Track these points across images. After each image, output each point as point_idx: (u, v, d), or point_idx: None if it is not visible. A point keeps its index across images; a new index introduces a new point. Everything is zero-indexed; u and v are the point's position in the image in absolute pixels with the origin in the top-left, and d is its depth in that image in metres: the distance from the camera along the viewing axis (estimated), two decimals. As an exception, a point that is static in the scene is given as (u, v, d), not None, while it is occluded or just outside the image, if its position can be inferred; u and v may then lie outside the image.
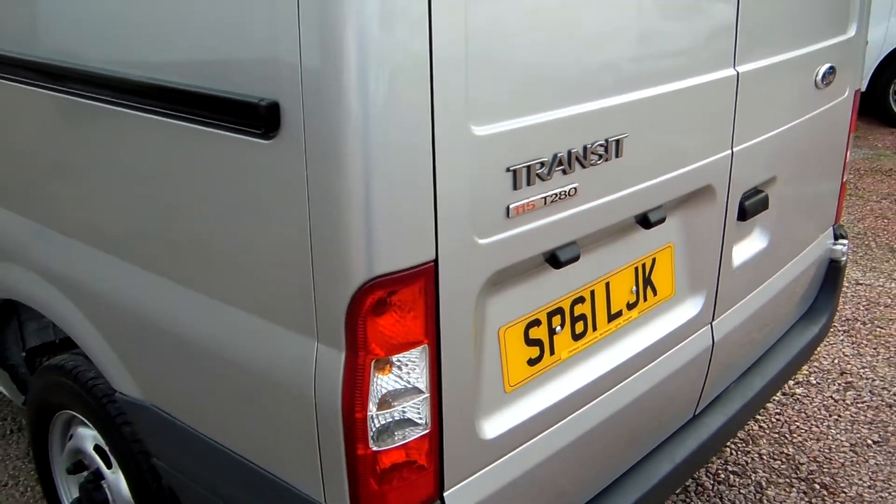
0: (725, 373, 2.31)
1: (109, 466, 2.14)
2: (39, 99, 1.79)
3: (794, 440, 3.15)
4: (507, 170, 1.42)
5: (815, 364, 3.68)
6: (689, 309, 2.05)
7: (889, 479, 2.90)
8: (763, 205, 2.16)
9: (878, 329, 4.00)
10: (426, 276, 1.35)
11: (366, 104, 1.22)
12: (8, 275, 2.12)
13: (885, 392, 3.45)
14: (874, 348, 3.82)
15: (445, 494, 1.52)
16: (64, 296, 1.93)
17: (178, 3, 1.42)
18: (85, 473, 2.24)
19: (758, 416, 3.30)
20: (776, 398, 3.41)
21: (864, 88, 7.28)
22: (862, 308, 4.22)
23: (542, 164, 1.47)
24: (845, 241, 2.78)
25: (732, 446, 3.11)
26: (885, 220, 5.48)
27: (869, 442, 3.13)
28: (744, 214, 2.10)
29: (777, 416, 3.31)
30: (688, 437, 2.17)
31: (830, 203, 2.67)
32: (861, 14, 2.49)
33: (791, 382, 3.54)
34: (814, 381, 3.55)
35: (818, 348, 3.74)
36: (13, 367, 2.55)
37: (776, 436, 3.18)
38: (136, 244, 1.70)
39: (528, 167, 1.45)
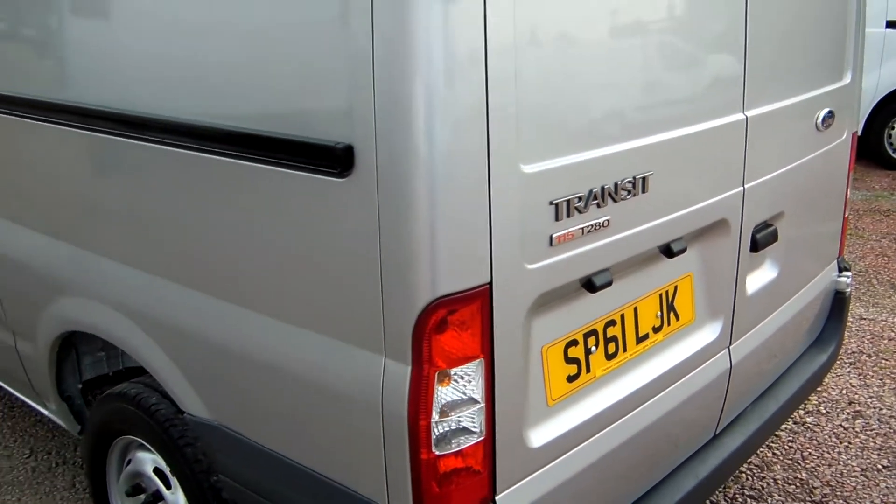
0: (742, 395, 2.47)
1: (168, 487, 2.29)
2: (123, 147, 1.98)
3: (807, 465, 3.29)
4: (550, 203, 1.61)
5: (824, 394, 3.82)
6: (709, 334, 2.22)
7: (899, 501, 3.03)
8: (773, 237, 2.34)
9: (883, 361, 4.16)
10: (482, 297, 1.53)
11: (431, 148, 1.42)
12: (79, 308, 2.29)
13: (893, 420, 3.59)
14: (880, 379, 3.97)
15: (497, 498, 1.67)
16: (136, 326, 2.10)
17: (262, 61, 1.62)
18: (143, 496, 2.38)
19: (771, 444, 3.44)
20: (788, 426, 3.55)
21: (859, 133, 7.52)
22: (867, 342, 4.37)
23: (580, 198, 1.66)
24: (849, 274, 2.96)
25: (748, 471, 3.25)
26: (886, 258, 5.66)
27: (879, 467, 3.26)
28: (756, 246, 2.28)
29: (790, 444, 3.45)
30: (709, 456, 2.32)
31: (834, 237, 2.85)
32: (855, 62, 2.71)
33: (802, 412, 3.68)
34: (823, 411, 3.70)
35: (826, 379, 3.90)
36: (70, 399, 2.70)
37: (790, 462, 3.32)
38: (212, 275, 1.88)
39: (568, 201, 1.64)
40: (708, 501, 3.02)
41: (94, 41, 2.03)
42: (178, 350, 2.02)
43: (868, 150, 7.87)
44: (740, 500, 3.08)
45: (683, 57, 1.92)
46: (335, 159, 1.50)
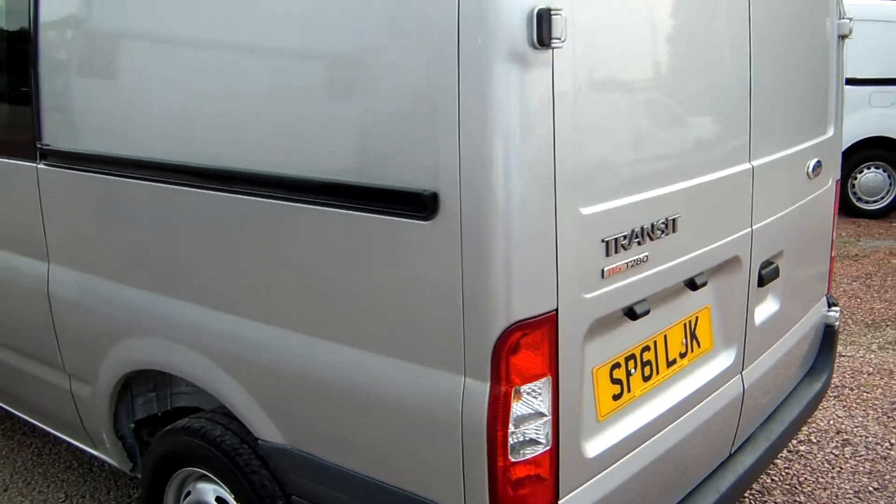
0: (752, 418, 2.72)
1: (230, 515, 2.46)
2: (207, 200, 2.20)
3: (804, 490, 3.53)
4: (602, 241, 1.87)
5: (814, 425, 4.09)
6: (724, 360, 2.47)
7: (892, 519, 3.28)
8: (776, 273, 2.62)
9: (865, 394, 4.45)
10: (550, 322, 1.77)
11: (508, 195, 1.67)
12: (152, 349, 2.48)
13: (879, 447, 3.86)
14: (864, 410, 4.25)
15: (560, 502, 1.89)
16: (213, 362, 2.29)
17: (360, 122, 1.87)
18: (202, 526, 2.54)
19: (769, 471, 3.68)
20: (783, 455, 3.80)
21: (825, 183, 7.99)
22: (848, 376, 4.67)
23: (625, 236, 1.92)
24: (837, 308, 3.25)
25: (750, 497, 3.48)
26: (858, 300, 6.01)
27: (870, 489, 3.51)
28: (762, 281, 2.56)
29: (786, 470, 3.69)
30: (727, 472, 2.55)
31: (823, 274, 3.15)
32: (836, 118, 3.04)
33: (795, 441, 3.93)
34: (814, 440, 3.96)
35: (815, 412, 4.16)
36: (122, 438, 2.86)
37: (787, 487, 3.56)
38: (296, 312, 2.09)
39: (616, 239, 1.90)
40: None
41: (185, 104, 2.26)
42: (254, 382, 2.21)
43: (833, 200, 8.33)
44: (746, 522, 3.30)
45: (704, 113, 2.22)
46: (422, 205, 1.75)
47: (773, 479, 3.62)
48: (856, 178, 8.28)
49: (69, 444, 3.24)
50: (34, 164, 2.72)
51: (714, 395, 2.42)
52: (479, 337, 1.74)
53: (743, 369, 2.56)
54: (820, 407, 4.26)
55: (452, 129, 1.68)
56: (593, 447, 1.97)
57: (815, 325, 3.16)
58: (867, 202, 8.37)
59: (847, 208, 8.38)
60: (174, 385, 2.86)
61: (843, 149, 7.97)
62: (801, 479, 3.61)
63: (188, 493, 2.59)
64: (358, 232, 1.90)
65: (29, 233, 2.81)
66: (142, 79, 2.40)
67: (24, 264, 2.88)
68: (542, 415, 1.82)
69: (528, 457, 1.81)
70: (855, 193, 8.34)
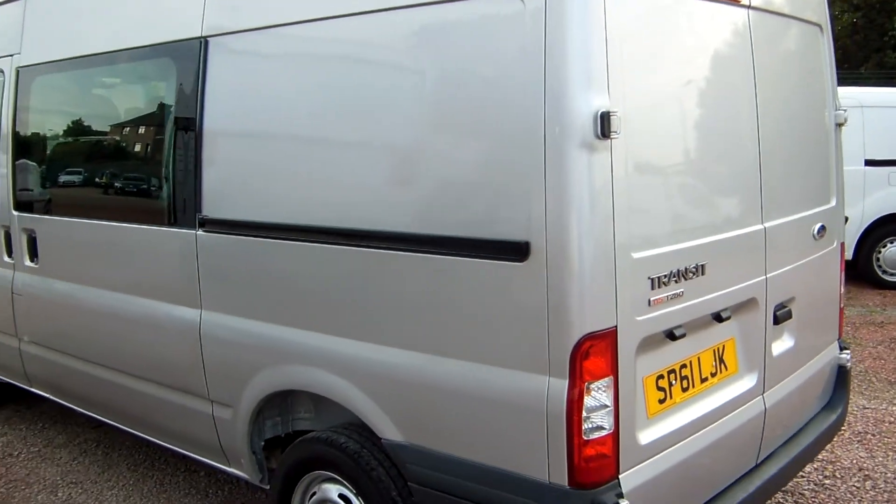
0: (775, 436, 3.29)
1: (351, 508, 3.07)
2: (352, 255, 2.90)
3: (828, 514, 4.04)
4: (648, 278, 2.53)
5: (838, 464, 4.59)
6: (748, 382, 3.08)
7: (905, 536, 3.76)
8: (789, 314, 3.24)
9: (886, 439, 4.94)
10: (612, 335, 2.42)
11: (581, 245, 2.35)
12: (294, 372, 3.14)
13: (896, 481, 4.36)
14: (884, 452, 4.74)
15: (620, 476, 2.49)
16: (342, 378, 2.95)
17: (466, 190, 2.58)
18: (325, 521, 3.15)
19: (798, 501, 4.18)
20: (810, 487, 4.31)
21: (850, 257, 8.54)
22: (871, 424, 5.17)
23: (665, 276, 2.58)
24: (848, 352, 3.83)
25: (781, 519, 3.99)
26: (882, 361, 6.52)
27: (887, 514, 4.01)
28: (777, 320, 3.18)
29: (813, 499, 4.20)
30: (753, 478, 3.12)
31: (833, 320, 3.75)
32: (838, 190, 3.69)
33: (820, 476, 4.44)
34: (839, 475, 4.46)
35: (839, 452, 4.68)
36: (254, 454, 3.50)
37: (814, 512, 4.06)
38: (414, 334, 2.74)
39: (659, 277, 2.56)
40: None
41: (320, 183, 3.00)
42: (378, 391, 2.86)
43: (860, 273, 8.87)
44: (777, 538, 3.81)
45: (723, 186, 2.91)
46: (518, 252, 2.43)
47: (800, 506, 4.13)
48: (880, 252, 8.83)
49: (201, 463, 3.88)
50: (194, 231, 3.46)
51: (740, 409, 3.02)
52: (559, 346, 2.39)
53: (764, 391, 3.16)
54: (844, 449, 4.77)
55: (540, 196, 2.38)
56: (644, 437, 2.58)
57: (830, 365, 3.74)
58: (891, 274, 8.89)
59: (873, 280, 8.91)
60: (295, 411, 3.52)
61: (867, 225, 8.62)
62: (825, 507, 4.12)
63: (313, 494, 3.22)
64: (469, 272, 2.58)
65: (186, 286, 3.53)
66: (283, 165, 3.16)
67: (179, 311, 3.60)
68: (606, 406, 2.44)
69: (596, 437, 2.43)
70: (880, 266, 8.88)
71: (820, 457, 4.64)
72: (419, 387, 2.76)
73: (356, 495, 3.03)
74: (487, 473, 2.60)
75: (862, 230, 8.76)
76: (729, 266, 2.90)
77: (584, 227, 2.35)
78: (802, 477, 4.43)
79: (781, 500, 4.19)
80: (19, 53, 4.54)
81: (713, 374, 2.92)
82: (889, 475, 4.44)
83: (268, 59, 3.24)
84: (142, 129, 3.98)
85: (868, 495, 4.22)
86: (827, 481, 4.40)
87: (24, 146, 4.58)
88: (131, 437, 4.42)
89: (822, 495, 4.24)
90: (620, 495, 2.45)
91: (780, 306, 3.22)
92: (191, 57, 3.41)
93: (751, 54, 3.01)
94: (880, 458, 4.65)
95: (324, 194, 3.02)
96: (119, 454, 4.91)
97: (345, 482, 3.06)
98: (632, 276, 2.47)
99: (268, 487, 3.53)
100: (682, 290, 2.65)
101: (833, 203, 3.66)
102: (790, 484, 4.32)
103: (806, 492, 4.28)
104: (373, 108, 2.84)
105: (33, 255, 4.48)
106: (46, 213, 4.40)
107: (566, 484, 2.43)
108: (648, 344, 2.60)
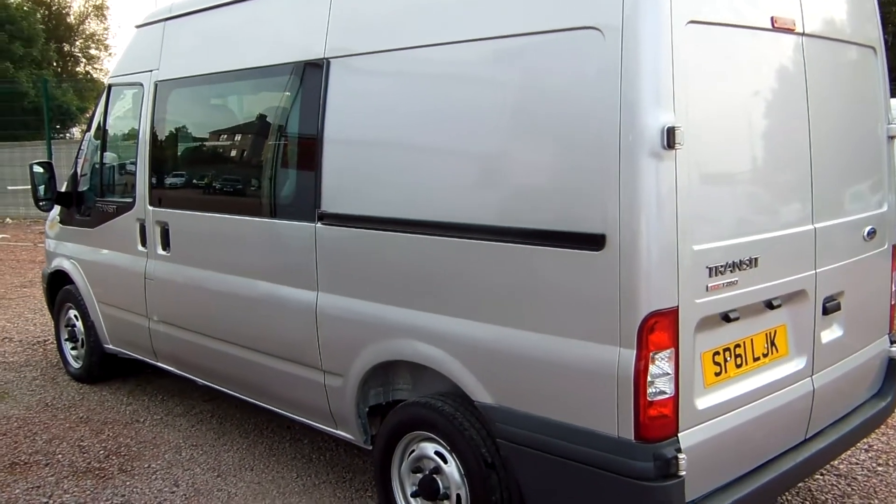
0: (823, 415, 3.66)
1: (445, 462, 3.57)
2: (454, 246, 3.41)
3: (878, 496, 4.37)
4: (706, 267, 2.97)
5: (892, 454, 4.90)
6: (798, 364, 3.48)
7: (949, 516, 4.08)
8: (837, 307, 3.63)
9: (941, 434, 5.22)
10: (673, 313, 2.88)
11: (650, 237, 2.81)
12: (400, 345, 3.68)
13: (947, 470, 4.65)
14: (938, 445, 5.03)
15: (679, 435, 2.94)
16: (441, 350, 3.47)
17: (553, 187, 3.07)
18: (420, 475, 3.66)
19: (850, 484, 4.52)
20: (863, 472, 4.64)
21: None
22: (927, 421, 5.44)
23: (722, 266, 3.02)
24: (899, 344, 4.18)
25: (832, 498, 4.34)
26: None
27: (935, 498, 4.32)
28: (826, 311, 3.57)
29: (865, 483, 4.53)
30: (802, 451, 3.52)
31: (884, 316, 4.10)
32: (891, 195, 4.04)
33: (874, 464, 4.76)
34: (891, 463, 4.77)
35: (894, 444, 4.98)
36: (360, 418, 4.05)
37: (865, 494, 4.40)
38: (504, 311, 3.24)
39: (716, 266, 3.00)
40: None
41: (428, 176, 3.54)
42: (471, 360, 3.37)
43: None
44: (827, 514, 4.17)
45: (776, 190, 3.33)
46: (595, 242, 2.90)
47: (853, 488, 4.47)
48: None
49: (308, 428, 4.46)
50: (313, 224, 4.04)
51: (790, 387, 3.42)
52: (629, 321, 2.86)
53: (813, 374, 3.55)
54: (898, 440, 5.07)
55: (615, 195, 2.85)
56: (701, 403, 3.03)
57: (880, 357, 4.08)
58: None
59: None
60: (395, 383, 4.05)
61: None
62: (876, 490, 4.45)
63: (412, 452, 3.74)
64: (552, 259, 3.07)
65: (305, 271, 4.11)
66: (392, 168, 3.71)
67: (298, 293, 4.18)
68: (667, 374, 2.90)
69: (659, 399, 2.88)
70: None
71: (875, 446, 4.96)
72: (506, 356, 3.26)
73: (450, 452, 3.54)
74: (564, 429, 3.08)
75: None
76: (780, 260, 3.31)
77: (652, 222, 2.81)
78: (857, 464, 4.76)
79: (835, 482, 4.54)
80: (157, 69, 5.23)
81: (765, 355, 3.34)
82: (941, 465, 4.73)
83: (380, 77, 3.80)
84: (266, 136, 4.60)
85: (918, 482, 4.52)
86: (879, 468, 4.72)
87: (160, 150, 5.27)
88: (244, 406, 5.04)
89: (874, 480, 4.57)
90: (679, 450, 2.90)
91: (830, 299, 3.61)
92: (315, 75, 4.00)
93: (803, 74, 3.42)
94: (934, 451, 4.93)
95: (427, 193, 3.55)
96: (231, 423, 5.55)
97: (440, 441, 3.57)
98: (692, 264, 2.92)
99: (370, 448, 4.07)
100: (736, 278, 3.08)
101: (885, 209, 4.02)
102: (845, 468, 4.68)
103: (859, 476, 4.62)
104: (469, 120, 3.35)
105: (166, 244, 5.15)
106: (179, 208, 5.06)
107: (632, 438, 2.89)
108: (706, 324, 3.03)
